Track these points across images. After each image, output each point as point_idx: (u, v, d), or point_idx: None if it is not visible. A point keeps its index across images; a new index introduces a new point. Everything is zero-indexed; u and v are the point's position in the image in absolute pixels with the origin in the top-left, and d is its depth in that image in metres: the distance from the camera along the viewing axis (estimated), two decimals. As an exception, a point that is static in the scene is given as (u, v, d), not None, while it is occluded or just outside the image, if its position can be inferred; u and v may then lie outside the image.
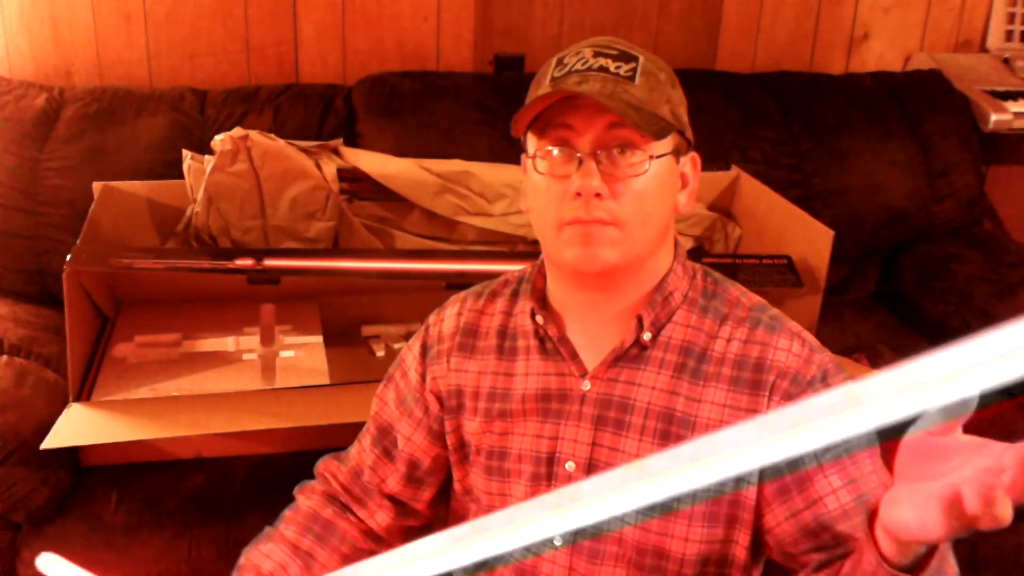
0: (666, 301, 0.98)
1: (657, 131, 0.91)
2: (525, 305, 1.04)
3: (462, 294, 1.12)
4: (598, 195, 0.91)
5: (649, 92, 0.92)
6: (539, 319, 1.01)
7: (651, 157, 0.91)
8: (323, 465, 1.17)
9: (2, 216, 2.03)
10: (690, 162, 1.00)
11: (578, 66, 0.92)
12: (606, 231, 0.92)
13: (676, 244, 1.02)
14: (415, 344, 1.11)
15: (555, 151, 0.93)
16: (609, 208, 0.91)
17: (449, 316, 1.09)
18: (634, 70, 0.92)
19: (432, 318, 1.11)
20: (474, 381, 1.05)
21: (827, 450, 0.94)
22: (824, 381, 0.95)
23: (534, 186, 0.96)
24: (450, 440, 1.08)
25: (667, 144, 0.93)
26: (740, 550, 0.99)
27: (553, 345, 1.01)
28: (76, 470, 1.65)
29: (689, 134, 0.98)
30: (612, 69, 0.91)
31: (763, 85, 2.48)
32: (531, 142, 0.96)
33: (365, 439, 1.14)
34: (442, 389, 1.08)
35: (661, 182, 0.94)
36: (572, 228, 0.92)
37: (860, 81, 2.56)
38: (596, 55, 0.93)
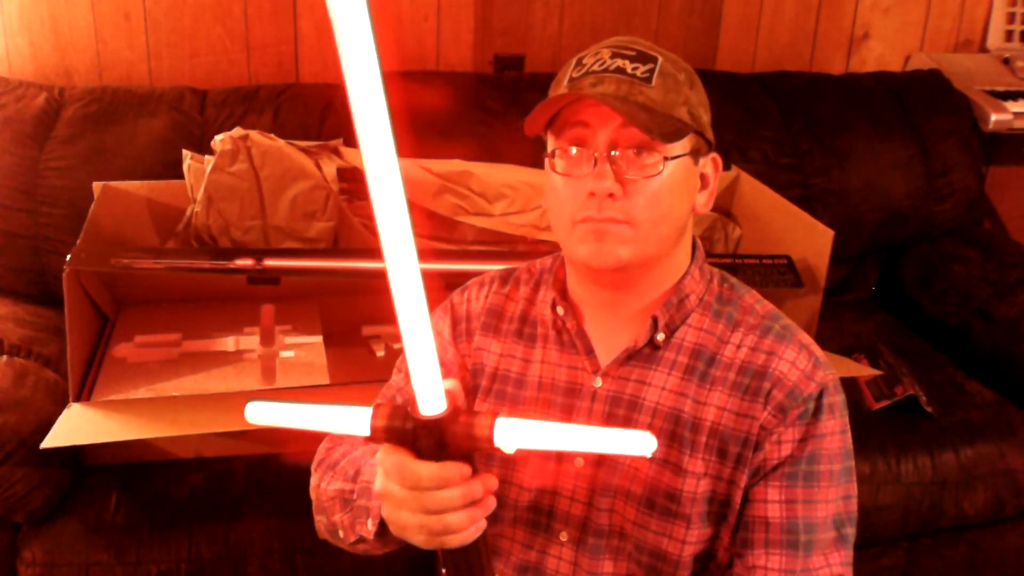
0: (682, 303, 0.99)
1: (670, 133, 0.91)
2: (547, 295, 1.06)
3: (483, 277, 1.12)
4: (611, 195, 0.91)
5: (665, 93, 0.92)
6: (560, 310, 1.03)
7: (666, 159, 0.91)
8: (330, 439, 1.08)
9: (2, 216, 2.03)
10: (711, 163, 1.00)
11: (595, 67, 0.92)
12: (619, 229, 0.92)
13: (696, 247, 1.03)
14: (441, 321, 1.11)
15: (572, 150, 0.94)
16: (622, 207, 0.92)
17: (476, 297, 1.10)
18: (651, 71, 0.92)
19: (456, 297, 1.12)
20: (494, 362, 1.07)
21: (793, 469, 0.96)
22: (820, 399, 0.96)
23: (552, 184, 0.97)
24: None
25: (684, 145, 0.93)
26: (722, 548, 1.00)
27: (570, 337, 1.03)
28: (76, 470, 1.65)
29: (709, 135, 0.97)
30: (629, 70, 0.91)
31: (763, 85, 2.48)
32: (550, 141, 0.97)
33: (408, 389, 1.09)
34: (468, 366, 1.09)
35: (677, 183, 0.94)
36: (585, 225, 0.93)
37: (860, 81, 2.56)
38: (614, 56, 0.93)
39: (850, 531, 0.99)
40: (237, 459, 1.71)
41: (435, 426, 0.72)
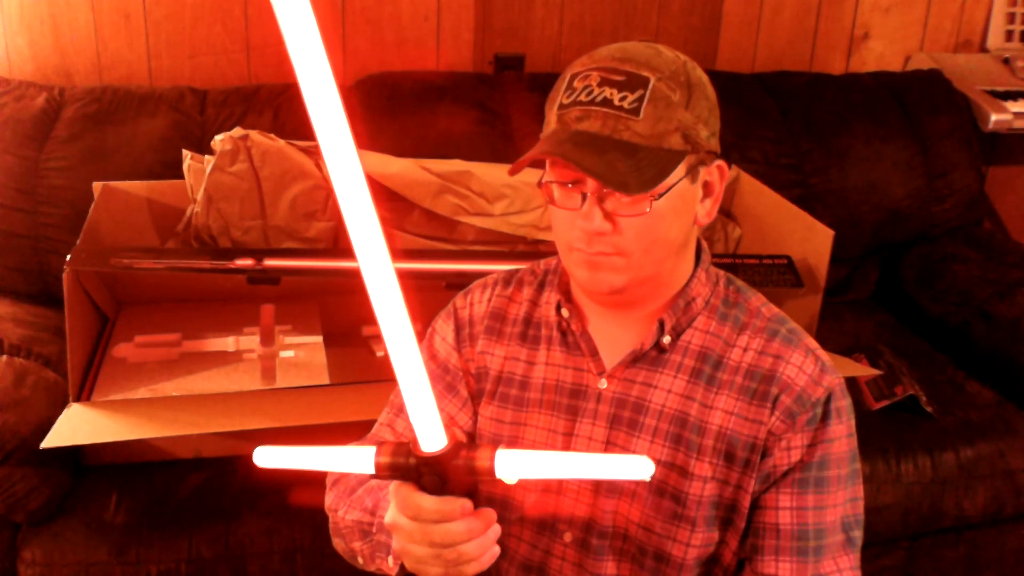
0: (688, 307, 0.99)
1: (653, 177, 0.88)
2: (551, 297, 1.05)
3: (487, 279, 1.12)
4: (600, 232, 0.91)
5: (655, 123, 0.88)
6: (564, 312, 1.02)
7: (653, 198, 0.89)
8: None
9: (2, 216, 2.03)
10: (715, 170, 0.96)
11: (582, 96, 0.90)
12: (610, 260, 0.93)
13: (702, 250, 1.02)
14: (445, 327, 1.11)
15: (561, 185, 0.93)
16: (612, 242, 0.92)
17: (479, 300, 1.10)
18: (641, 99, 0.88)
19: (460, 301, 1.12)
20: (498, 365, 1.06)
21: (804, 475, 0.96)
22: (827, 404, 0.96)
23: (552, 207, 0.96)
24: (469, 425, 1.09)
25: (677, 173, 0.90)
26: (728, 552, 1.00)
27: (575, 339, 1.02)
28: (76, 470, 1.65)
29: (712, 147, 0.94)
30: (616, 102, 0.88)
31: (763, 85, 2.48)
32: (546, 169, 0.95)
33: (398, 424, 1.10)
34: (472, 371, 1.09)
35: (672, 208, 0.92)
36: (579, 254, 0.94)
37: (860, 81, 2.56)
38: (602, 83, 0.89)
39: (857, 534, 0.99)
40: (237, 459, 1.71)
41: (436, 463, 0.74)
